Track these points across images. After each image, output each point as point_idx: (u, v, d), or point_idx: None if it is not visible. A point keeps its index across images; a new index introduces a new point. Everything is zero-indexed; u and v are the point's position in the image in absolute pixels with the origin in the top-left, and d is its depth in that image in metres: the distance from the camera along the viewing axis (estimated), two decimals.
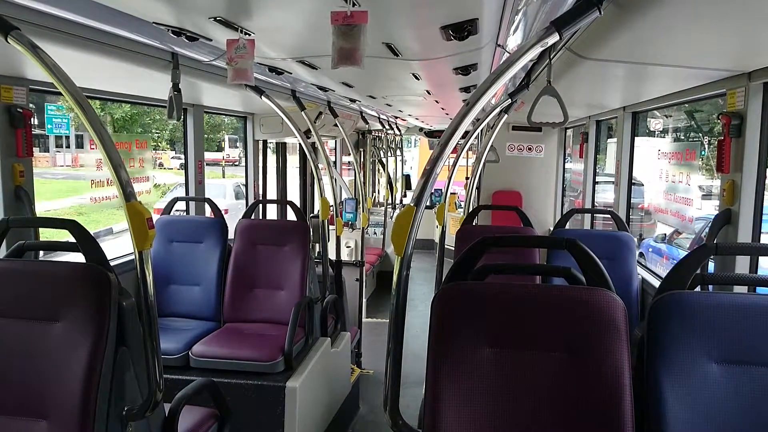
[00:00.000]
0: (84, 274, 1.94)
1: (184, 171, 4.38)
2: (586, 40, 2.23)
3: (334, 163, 9.20)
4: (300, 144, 5.40)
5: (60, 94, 1.87)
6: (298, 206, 4.38)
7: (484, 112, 4.10)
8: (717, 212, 2.72)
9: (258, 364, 3.26)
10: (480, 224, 5.30)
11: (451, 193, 4.41)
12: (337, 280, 4.55)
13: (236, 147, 25.43)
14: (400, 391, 1.88)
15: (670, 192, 4.43)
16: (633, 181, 5.05)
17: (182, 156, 4.46)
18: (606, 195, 6.33)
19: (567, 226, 4.10)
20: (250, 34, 2.31)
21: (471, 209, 4.43)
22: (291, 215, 4.75)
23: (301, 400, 3.23)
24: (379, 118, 7.89)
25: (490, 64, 3.13)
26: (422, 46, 2.59)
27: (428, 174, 1.79)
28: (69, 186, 14.11)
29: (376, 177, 11.01)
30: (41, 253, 2.85)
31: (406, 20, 2.20)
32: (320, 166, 4.44)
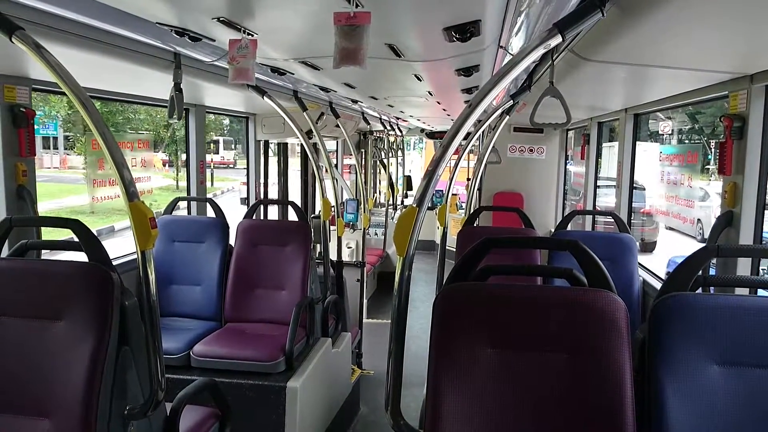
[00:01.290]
0: (87, 274, 1.94)
1: (186, 171, 4.39)
2: (588, 42, 2.23)
3: (336, 164, 9.20)
4: (301, 146, 5.41)
5: (63, 93, 1.88)
6: (300, 207, 4.38)
7: (485, 113, 4.10)
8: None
9: (259, 364, 3.27)
10: (481, 225, 5.30)
11: (452, 195, 4.41)
12: (338, 280, 4.55)
13: (232, 149, 24.00)
14: (401, 392, 1.88)
15: (672, 194, 4.43)
16: (635, 185, 5.05)
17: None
18: (607, 199, 6.32)
19: (568, 228, 4.11)
20: (252, 35, 2.32)
21: (472, 210, 4.43)
22: (292, 216, 4.75)
23: (301, 401, 3.23)
24: (380, 119, 7.89)
25: (492, 66, 3.13)
26: (425, 47, 2.59)
27: (430, 175, 1.80)
28: (46, 190, 13.12)
29: (377, 178, 11.01)
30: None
31: (408, 21, 2.20)
32: (321, 166, 4.45)
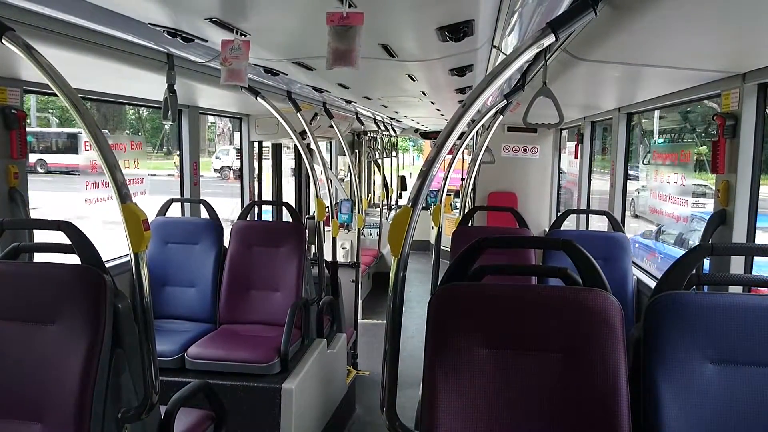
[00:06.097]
0: (79, 276, 1.93)
1: (179, 173, 4.37)
2: (581, 42, 2.23)
3: (330, 165, 9.19)
4: (295, 147, 5.40)
5: (54, 94, 1.87)
6: (294, 207, 4.38)
7: (479, 113, 4.10)
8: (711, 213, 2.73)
9: (254, 365, 3.26)
10: (476, 225, 5.31)
11: (447, 194, 4.42)
12: (333, 281, 4.54)
13: None
14: (397, 392, 1.88)
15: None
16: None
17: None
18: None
19: (562, 227, 4.12)
20: (245, 35, 2.31)
21: (466, 210, 4.44)
22: (287, 216, 4.74)
23: (297, 402, 3.22)
24: (374, 119, 7.89)
25: (485, 66, 3.14)
26: (418, 47, 2.59)
27: (425, 175, 1.79)
28: None
29: (371, 178, 11.01)
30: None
31: (401, 21, 2.20)
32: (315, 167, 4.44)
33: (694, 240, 5.45)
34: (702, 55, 2.33)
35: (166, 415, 2.22)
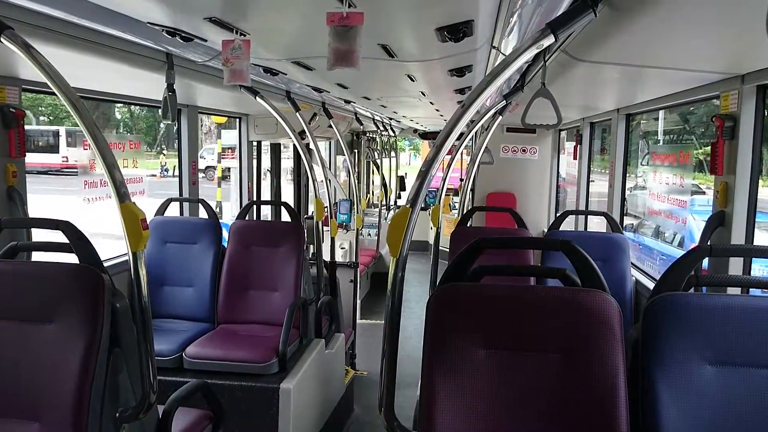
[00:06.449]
0: (77, 276, 1.93)
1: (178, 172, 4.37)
2: (581, 43, 2.23)
3: (329, 165, 9.19)
4: (294, 147, 5.41)
5: (53, 93, 1.87)
6: (293, 207, 4.38)
7: (479, 113, 4.10)
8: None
9: (252, 365, 3.25)
10: (474, 226, 5.31)
11: (446, 194, 4.42)
12: (331, 281, 4.54)
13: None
14: (395, 393, 1.88)
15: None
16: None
17: None
18: None
19: (560, 228, 4.12)
20: (245, 35, 2.31)
21: (465, 211, 4.44)
22: (285, 216, 4.74)
23: (295, 402, 3.22)
24: (373, 119, 7.89)
25: (485, 66, 3.14)
26: (417, 47, 2.59)
27: (424, 175, 1.79)
28: None
29: (370, 178, 11.01)
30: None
31: (401, 21, 2.20)
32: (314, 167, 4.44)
33: (671, 232, 5.50)
34: (701, 57, 2.33)
35: (164, 414, 2.22)
